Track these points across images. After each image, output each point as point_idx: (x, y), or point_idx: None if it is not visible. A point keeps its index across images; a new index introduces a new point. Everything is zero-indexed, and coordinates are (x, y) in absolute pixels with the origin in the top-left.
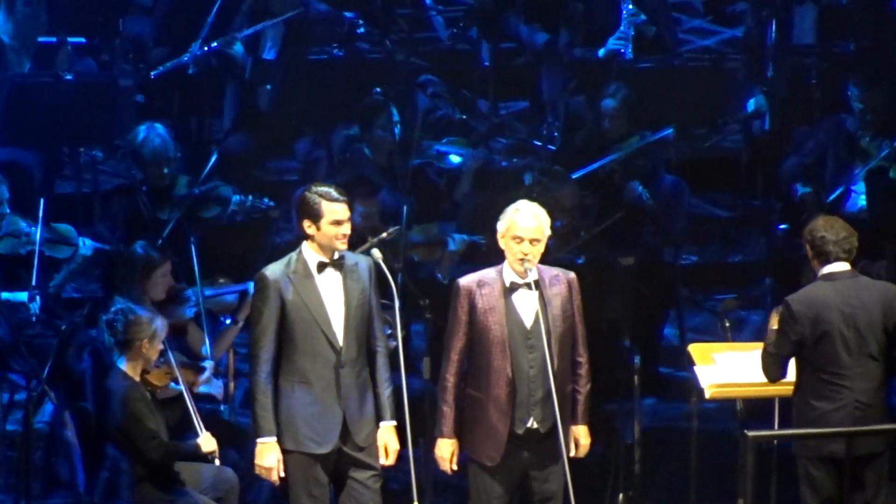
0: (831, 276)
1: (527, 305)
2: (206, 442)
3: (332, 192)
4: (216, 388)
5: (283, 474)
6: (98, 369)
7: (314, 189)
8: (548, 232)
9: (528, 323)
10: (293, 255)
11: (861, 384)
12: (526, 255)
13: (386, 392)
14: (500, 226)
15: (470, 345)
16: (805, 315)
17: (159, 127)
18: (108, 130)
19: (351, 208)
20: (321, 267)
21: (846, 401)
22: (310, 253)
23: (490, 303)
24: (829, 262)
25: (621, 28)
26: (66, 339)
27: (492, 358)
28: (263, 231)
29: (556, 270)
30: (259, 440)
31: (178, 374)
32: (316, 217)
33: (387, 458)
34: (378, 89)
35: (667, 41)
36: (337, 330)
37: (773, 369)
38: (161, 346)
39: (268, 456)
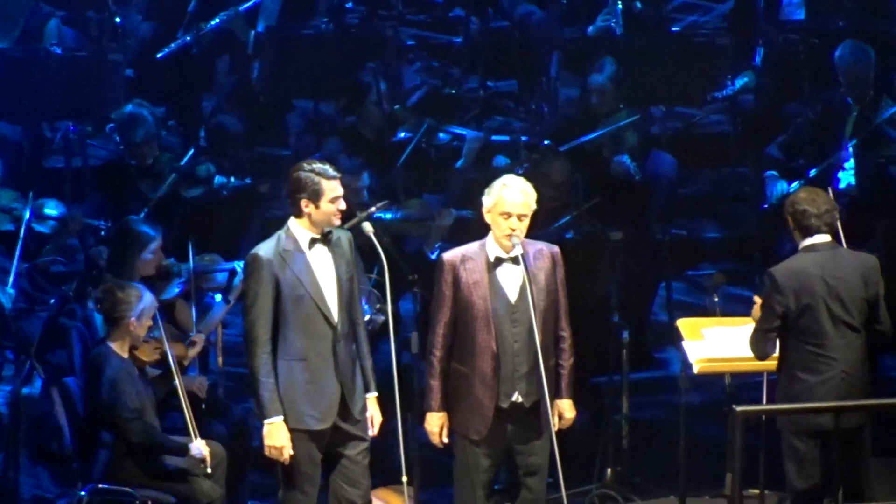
0: (813, 248)
1: (511, 280)
2: (196, 451)
3: (329, 169)
4: (198, 383)
5: (292, 452)
6: (86, 345)
7: (309, 167)
8: (534, 206)
9: (513, 297)
10: (281, 233)
11: (846, 355)
12: (514, 230)
13: (368, 364)
14: (487, 201)
15: (455, 319)
16: (789, 286)
17: (145, 104)
18: (96, 105)
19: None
20: (312, 243)
21: (833, 372)
22: (299, 230)
23: (474, 277)
24: (810, 234)
25: (609, 4)
26: (55, 313)
27: (476, 332)
28: (252, 207)
29: (539, 244)
30: (267, 421)
31: (167, 348)
32: (316, 196)
33: (372, 429)
34: (369, 64)
35: (654, 16)
36: (332, 305)
37: (762, 346)
38: (150, 323)
39: (278, 435)
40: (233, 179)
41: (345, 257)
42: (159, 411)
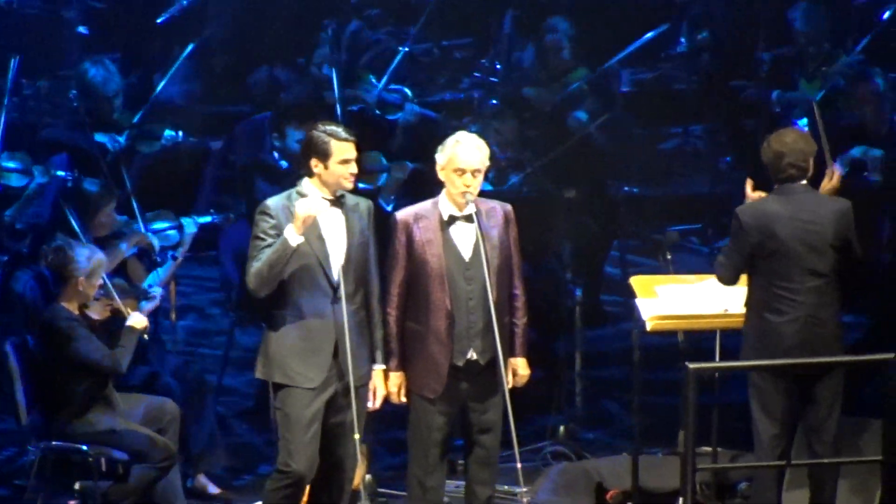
0: (783, 190)
1: (465, 238)
2: (136, 321)
3: (342, 131)
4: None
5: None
6: (40, 301)
7: (322, 128)
8: (488, 163)
9: (467, 255)
10: (292, 190)
11: (813, 298)
12: (468, 187)
13: (378, 335)
14: (441, 158)
15: (409, 278)
16: (754, 227)
17: (107, 62)
18: (51, 62)
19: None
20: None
21: (798, 314)
22: (312, 190)
23: (428, 236)
24: (783, 177)
25: None
26: (9, 269)
27: (430, 290)
28: (203, 163)
29: (492, 202)
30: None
31: (119, 305)
32: (325, 156)
33: (374, 401)
34: (326, 22)
35: None
36: (335, 266)
37: (725, 277)
38: (100, 282)
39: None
40: (181, 134)
41: (360, 223)
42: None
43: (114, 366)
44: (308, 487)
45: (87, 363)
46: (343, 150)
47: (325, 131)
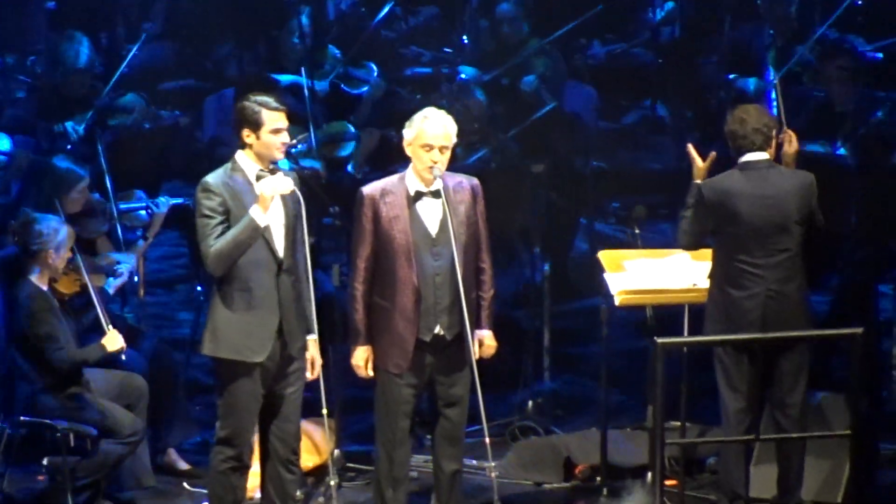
0: (746, 166)
1: (432, 213)
2: (111, 341)
3: (272, 101)
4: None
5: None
6: (7, 277)
7: (253, 98)
8: (455, 139)
9: (434, 231)
10: (228, 165)
11: (775, 274)
12: (435, 162)
13: (311, 306)
14: (408, 134)
15: (376, 253)
16: (714, 202)
17: (83, 37)
18: (19, 37)
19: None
20: (259, 177)
21: (759, 289)
22: (247, 162)
23: (394, 211)
24: (744, 152)
25: None
26: None
27: (397, 267)
28: (173, 140)
29: (459, 177)
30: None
31: (87, 279)
32: (256, 125)
33: (312, 372)
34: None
35: None
36: (278, 239)
37: (687, 241)
38: (69, 255)
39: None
40: (152, 107)
41: (293, 196)
42: (81, 344)
43: (59, 363)
44: (260, 466)
45: (39, 346)
46: (274, 119)
47: (256, 101)
